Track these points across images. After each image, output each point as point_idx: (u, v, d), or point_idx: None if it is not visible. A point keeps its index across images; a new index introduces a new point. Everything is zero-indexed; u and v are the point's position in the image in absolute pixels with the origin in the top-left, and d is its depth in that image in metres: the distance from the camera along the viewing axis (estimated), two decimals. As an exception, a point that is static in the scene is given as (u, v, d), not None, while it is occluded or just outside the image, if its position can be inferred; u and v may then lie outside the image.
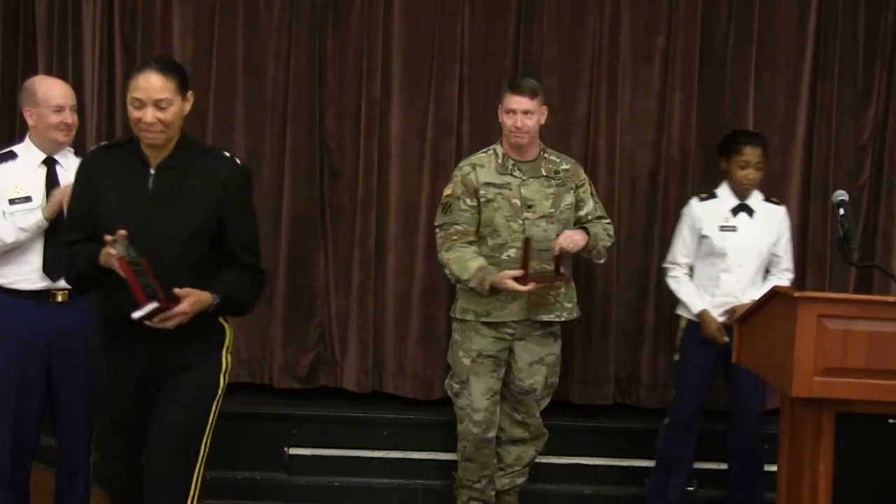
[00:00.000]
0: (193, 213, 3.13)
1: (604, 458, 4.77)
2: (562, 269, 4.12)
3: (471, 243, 4.14)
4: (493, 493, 4.37)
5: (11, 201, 3.79)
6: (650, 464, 4.55)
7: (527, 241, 4.00)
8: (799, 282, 4.91)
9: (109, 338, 3.25)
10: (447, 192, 4.24)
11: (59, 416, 3.97)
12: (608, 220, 4.36)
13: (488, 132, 4.67)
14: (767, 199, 4.43)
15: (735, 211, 4.36)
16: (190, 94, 3.23)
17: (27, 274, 3.81)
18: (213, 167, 3.21)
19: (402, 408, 4.94)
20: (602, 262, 4.40)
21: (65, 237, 3.33)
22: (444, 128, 4.99)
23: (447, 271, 4.20)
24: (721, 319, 4.31)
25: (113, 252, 2.98)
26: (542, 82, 4.87)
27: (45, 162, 3.87)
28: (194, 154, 3.22)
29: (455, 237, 4.17)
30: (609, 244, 4.33)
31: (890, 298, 3.27)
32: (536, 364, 4.21)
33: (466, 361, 4.21)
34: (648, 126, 4.98)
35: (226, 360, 3.30)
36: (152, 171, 3.16)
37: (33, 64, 5.02)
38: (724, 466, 4.48)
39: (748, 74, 4.96)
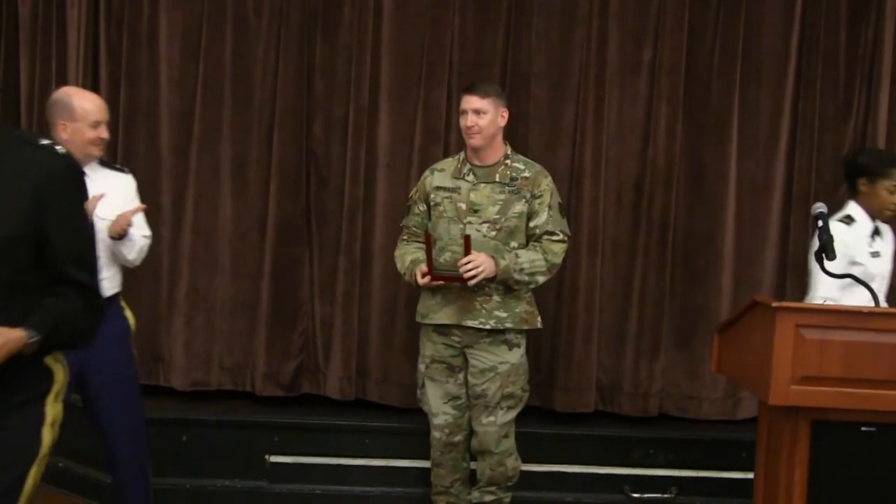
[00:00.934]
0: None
1: (585, 466, 4.77)
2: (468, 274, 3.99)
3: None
4: (468, 498, 4.37)
5: None
6: (631, 471, 4.58)
7: (428, 236, 4.05)
8: (779, 291, 4.98)
9: None
10: (410, 193, 4.39)
11: (105, 431, 4.00)
12: (559, 238, 4.17)
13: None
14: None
15: (873, 234, 4.09)
16: None
17: None
18: (27, 159, 2.46)
19: (385, 416, 4.94)
20: (533, 286, 4.19)
21: None
22: (432, 136, 5.01)
23: None
24: None
25: None
26: (530, 92, 4.95)
27: None
28: (3, 143, 2.50)
29: (405, 237, 4.31)
30: (543, 271, 4.12)
31: (865, 309, 3.32)
32: (488, 371, 4.17)
33: (422, 367, 4.30)
34: (634, 137, 5.02)
35: (52, 408, 2.58)
36: None
37: (15, 69, 5.01)
38: (703, 474, 4.51)
39: (733, 87, 5.01)
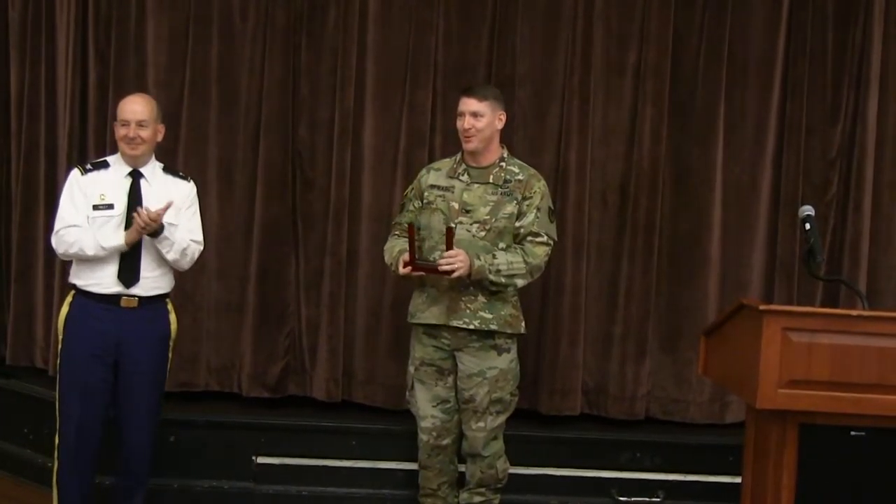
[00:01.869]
0: None
1: (571, 469, 4.77)
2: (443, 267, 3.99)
3: None
4: (456, 501, 4.37)
5: (95, 207, 4.00)
6: (617, 475, 4.58)
7: (411, 226, 4.05)
8: (767, 294, 4.98)
9: None
10: (406, 191, 4.42)
11: (121, 423, 4.10)
12: (543, 240, 4.15)
13: (460, 143, 4.68)
14: None
15: None
16: None
17: (102, 279, 3.99)
18: None
19: (371, 417, 4.93)
20: (513, 288, 4.16)
21: None
22: (417, 138, 5.00)
23: None
24: None
25: None
26: (514, 95, 4.93)
27: (130, 174, 4.08)
28: None
29: (396, 232, 4.32)
30: (522, 273, 4.09)
31: (853, 312, 3.33)
32: (476, 377, 4.16)
33: (411, 369, 4.30)
34: (619, 139, 5.01)
35: None
36: None
37: (5, 71, 4.99)
38: (691, 478, 4.51)
39: (719, 89, 5.00)
